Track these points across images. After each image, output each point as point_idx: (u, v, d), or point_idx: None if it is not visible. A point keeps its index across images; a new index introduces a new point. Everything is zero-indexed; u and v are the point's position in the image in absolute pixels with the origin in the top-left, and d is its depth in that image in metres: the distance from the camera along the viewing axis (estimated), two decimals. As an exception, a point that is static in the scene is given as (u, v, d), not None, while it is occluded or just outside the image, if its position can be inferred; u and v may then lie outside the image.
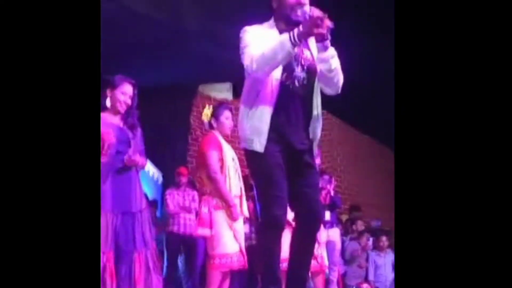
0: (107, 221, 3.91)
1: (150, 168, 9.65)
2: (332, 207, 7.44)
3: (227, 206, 4.57)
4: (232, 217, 4.57)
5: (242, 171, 4.81)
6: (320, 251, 5.56)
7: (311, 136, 3.28)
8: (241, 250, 4.64)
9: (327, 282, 7.25)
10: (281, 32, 3.18)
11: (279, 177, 3.13)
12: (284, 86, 3.16)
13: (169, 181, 8.87)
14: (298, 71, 3.20)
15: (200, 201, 4.84)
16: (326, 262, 5.96)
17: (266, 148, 3.13)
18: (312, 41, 3.24)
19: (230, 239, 4.62)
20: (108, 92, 4.15)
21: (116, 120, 4.13)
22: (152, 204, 8.67)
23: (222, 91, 10.63)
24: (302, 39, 3.01)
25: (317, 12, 3.02)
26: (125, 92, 4.16)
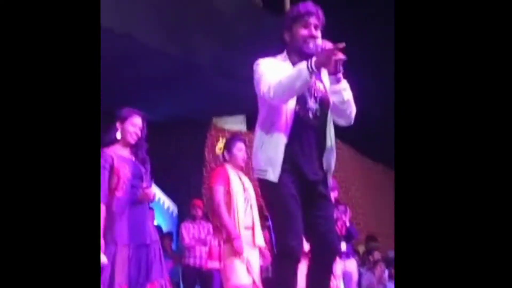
0: (123, 255, 3.95)
1: (165, 201, 9.69)
2: (348, 238, 7.40)
3: (230, 239, 4.59)
4: (234, 250, 4.58)
5: (258, 201, 4.82)
6: (336, 282, 5.53)
7: (324, 167, 3.28)
8: (254, 283, 4.63)
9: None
10: (294, 64, 3.21)
11: (294, 208, 3.13)
12: (298, 117, 3.18)
13: (184, 214, 8.89)
14: (311, 103, 3.22)
15: (213, 234, 4.85)
16: (343, 293, 5.92)
17: (280, 178, 3.14)
18: (324, 74, 3.26)
19: (243, 272, 4.61)
20: (118, 124, 4.19)
21: (127, 154, 4.18)
22: (167, 236, 8.68)
23: (236, 124, 10.69)
24: (319, 68, 3.04)
25: (329, 45, 3.06)
26: (134, 124, 4.20)
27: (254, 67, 3.26)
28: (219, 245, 4.72)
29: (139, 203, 4.13)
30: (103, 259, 3.85)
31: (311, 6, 3.26)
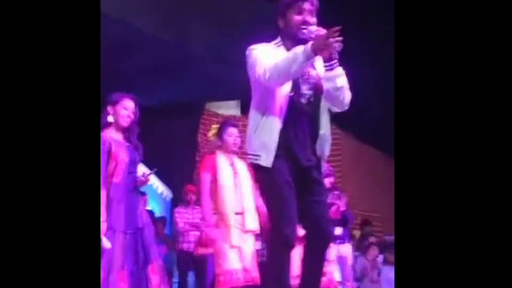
0: (121, 241, 3.94)
1: (159, 186, 9.69)
2: (343, 222, 7.40)
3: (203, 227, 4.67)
4: (205, 238, 4.64)
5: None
6: (330, 267, 5.55)
7: (318, 153, 3.27)
8: (245, 268, 4.64)
9: (340, 298, 7.21)
10: (288, 50, 3.18)
11: (288, 195, 3.12)
12: (292, 103, 3.16)
13: (177, 199, 8.89)
14: (305, 89, 3.20)
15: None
16: (337, 278, 5.94)
17: (274, 164, 3.13)
18: (318, 60, 3.24)
19: (234, 256, 4.62)
20: (110, 109, 4.16)
21: (121, 138, 4.15)
22: (160, 221, 8.68)
23: (230, 108, 10.67)
24: (316, 52, 3.01)
25: (323, 31, 3.03)
26: (127, 107, 4.18)
27: (247, 52, 3.24)
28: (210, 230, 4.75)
29: (134, 189, 4.13)
30: (107, 244, 3.85)
31: None
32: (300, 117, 3.19)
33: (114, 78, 7.45)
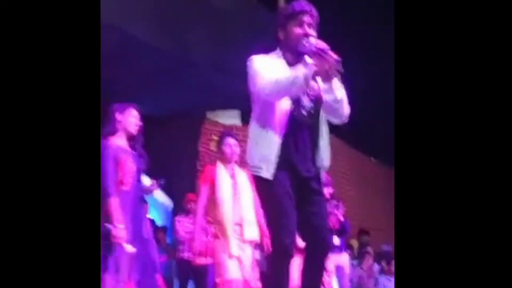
0: (129, 252, 3.95)
1: (160, 195, 9.69)
2: (341, 232, 7.42)
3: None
4: (223, 247, 4.67)
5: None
6: (328, 277, 5.56)
7: (318, 164, 3.31)
8: (244, 279, 4.66)
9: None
10: (288, 62, 3.24)
11: (287, 206, 3.16)
12: (293, 115, 3.20)
13: (178, 208, 8.90)
14: (306, 101, 3.24)
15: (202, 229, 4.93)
16: (335, 288, 5.96)
17: (275, 176, 3.16)
18: None
19: (234, 267, 4.65)
20: (118, 116, 4.21)
21: (126, 146, 4.18)
22: (161, 230, 8.70)
23: (230, 118, 10.68)
24: (315, 78, 3.07)
25: (322, 44, 3.08)
26: (134, 115, 4.23)
27: (248, 63, 3.27)
28: (208, 240, 4.78)
29: (140, 198, 4.16)
30: (129, 248, 3.90)
31: (305, 5, 3.27)
32: (300, 128, 3.23)
33: (114, 87, 7.50)
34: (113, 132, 4.14)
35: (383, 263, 9.48)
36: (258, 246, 4.96)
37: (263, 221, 4.59)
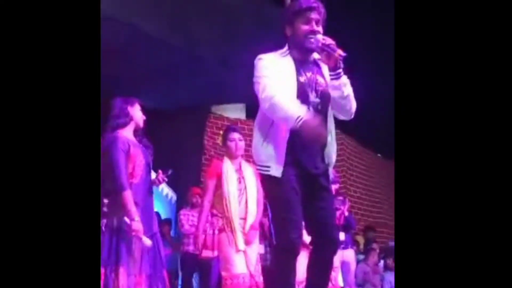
0: (139, 245, 3.95)
1: (164, 188, 9.69)
2: (346, 228, 7.41)
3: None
4: (229, 241, 4.69)
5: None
6: (333, 273, 5.55)
7: (326, 161, 3.29)
8: (250, 273, 4.67)
9: (342, 303, 7.22)
10: (294, 59, 3.24)
11: (294, 202, 3.14)
12: None
13: (183, 201, 8.90)
14: (312, 97, 3.22)
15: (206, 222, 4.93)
16: (341, 284, 5.95)
17: (282, 172, 3.15)
18: (325, 68, 3.27)
19: (240, 261, 4.66)
20: (130, 109, 4.20)
21: (134, 139, 4.18)
22: (166, 223, 8.70)
23: (235, 112, 10.69)
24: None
25: (329, 41, 3.11)
26: (140, 109, 4.24)
27: (255, 61, 3.27)
28: (213, 234, 4.79)
29: (149, 191, 4.16)
30: (147, 241, 3.91)
31: (312, 1, 3.25)
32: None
33: (120, 81, 7.51)
34: (125, 125, 4.14)
35: (388, 260, 9.47)
36: (262, 240, 4.97)
37: (268, 216, 4.60)
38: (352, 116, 3.35)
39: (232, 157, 4.91)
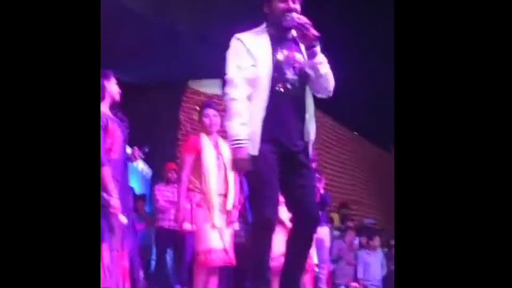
0: (119, 221, 3.94)
1: (139, 163, 9.64)
2: (321, 205, 7.43)
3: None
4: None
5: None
6: (309, 250, 5.57)
7: (305, 138, 3.27)
8: (225, 248, 4.68)
9: (316, 280, 7.27)
10: (272, 37, 3.24)
11: (271, 178, 3.14)
12: (276, 89, 3.18)
13: (158, 177, 8.87)
14: (290, 74, 3.22)
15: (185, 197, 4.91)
16: (315, 261, 5.97)
17: (259, 149, 3.13)
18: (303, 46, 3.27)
19: (215, 236, 4.66)
20: (106, 83, 4.13)
21: (110, 113, 4.13)
22: (140, 198, 8.67)
23: (212, 87, 10.61)
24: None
25: (303, 20, 3.15)
26: (115, 82, 4.19)
27: (232, 41, 3.28)
28: (192, 208, 4.78)
29: (126, 166, 4.13)
30: (124, 219, 3.89)
31: None
32: (285, 102, 3.20)
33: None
34: (101, 99, 4.06)
35: (363, 238, 9.56)
36: (237, 217, 4.97)
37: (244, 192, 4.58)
38: (331, 95, 3.35)
39: (208, 133, 4.90)
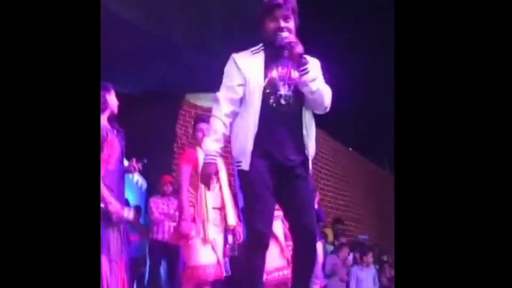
0: (115, 232, 3.97)
1: (134, 175, 9.63)
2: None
3: (180, 219, 4.72)
4: (180, 230, 4.66)
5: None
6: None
7: (304, 153, 3.30)
8: (218, 262, 4.68)
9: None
10: (266, 55, 3.31)
11: (263, 192, 3.17)
12: (268, 106, 3.23)
13: (153, 189, 8.87)
14: (284, 91, 3.26)
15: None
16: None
17: (251, 164, 3.19)
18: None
19: (206, 251, 4.64)
20: (107, 96, 4.17)
21: (108, 125, 4.16)
22: (135, 210, 8.64)
23: (209, 100, 10.62)
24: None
25: (290, 38, 3.21)
26: (115, 95, 4.22)
27: (228, 61, 3.35)
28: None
29: (123, 177, 4.15)
30: (130, 214, 4.02)
31: None
32: (278, 117, 3.24)
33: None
34: (101, 112, 4.11)
35: (357, 254, 9.56)
36: (230, 231, 4.98)
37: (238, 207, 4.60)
38: (327, 110, 3.36)
39: (201, 146, 4.89)
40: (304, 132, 3.29)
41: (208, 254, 4.66)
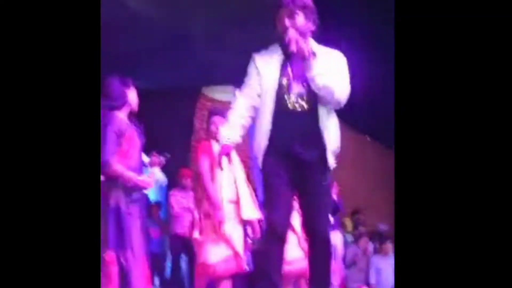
0: (139, 226, 4.02)
1: (156, 172, 9.66)
2: (334, 211, 7.46)
3: (213, 210, 4.67)
4: (216, 220, 4.63)
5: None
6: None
7: (320, 148, 3.33)
8: (236, 255, 4.67)
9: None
10: (284, 52, 3.35)
11: (280, 187, 3.23)
12: (282, 103, 3.29)
13: (172, 183, 8.89)
14: (298, 88, 3.31)
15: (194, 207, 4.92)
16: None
17: (267, 160, 3.26)
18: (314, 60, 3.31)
19: (218, 247, 4.67)
20: (127, 92, 4.18)
21: (128, 121, 4.18)
22: (155, 205, 8.69)
23: (226, 93, 10.63)
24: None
25: (292, 35, 3.23)
26: (135, 92, 4.24)
27: (250, 63, 3.43)
28: (200, 219, 4.78)
29: (141, 173, 4.18)
30: (159, 174, 3.92)
31: None
32: (294, 114, 3.29)
33: (111, 60, 7.45)
34: (121, 107, 4.13)
35: (377, 243, 9.55)
36: (249, 223, 4.98)
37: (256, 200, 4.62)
38: (341, 106, 3.38)
39: (216, 140, 4.88)
40: (321, 125, 3.29)
41: (220, 250, 4.66)
